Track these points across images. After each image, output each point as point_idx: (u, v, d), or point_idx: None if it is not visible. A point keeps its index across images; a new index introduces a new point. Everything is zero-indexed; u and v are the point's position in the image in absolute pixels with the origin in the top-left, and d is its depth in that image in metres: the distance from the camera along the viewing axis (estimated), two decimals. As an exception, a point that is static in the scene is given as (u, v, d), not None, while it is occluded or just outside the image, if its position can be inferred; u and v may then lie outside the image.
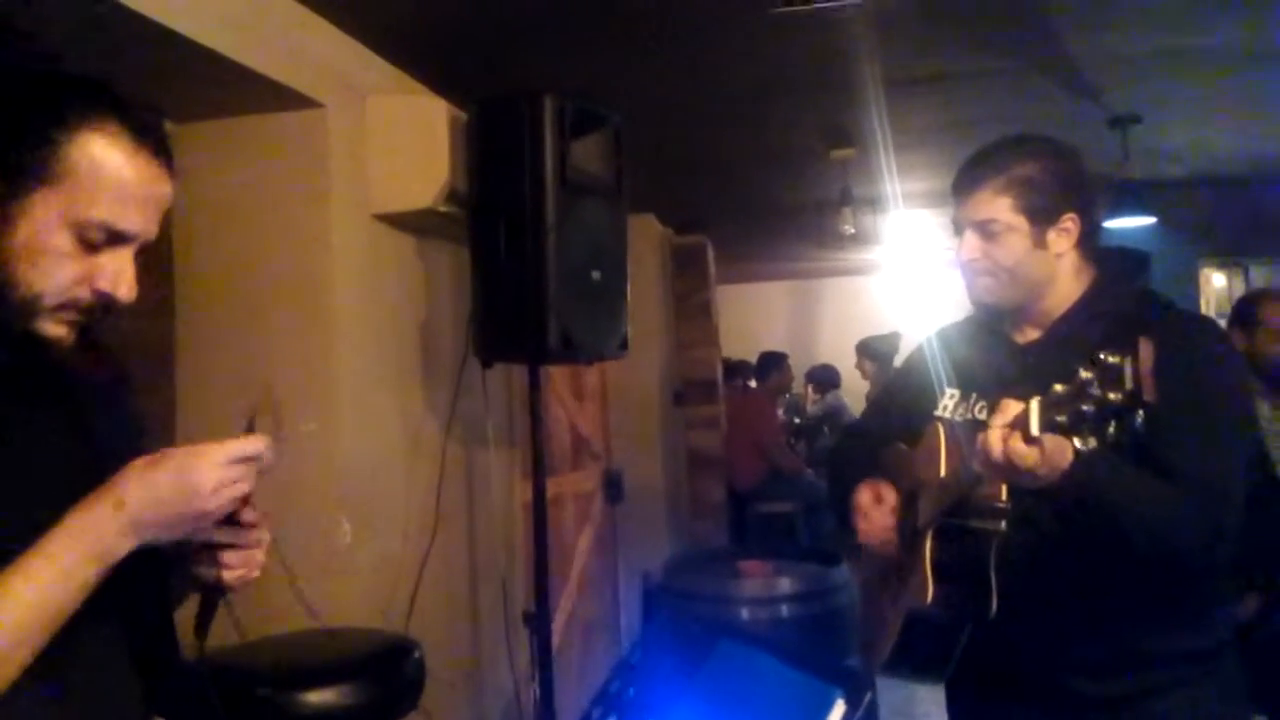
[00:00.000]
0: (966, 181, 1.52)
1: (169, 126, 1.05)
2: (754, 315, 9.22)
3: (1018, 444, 1.16)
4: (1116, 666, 1.42)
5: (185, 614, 1.18)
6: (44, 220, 0.94)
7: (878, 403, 1.92)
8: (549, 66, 2.94)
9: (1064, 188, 1.48)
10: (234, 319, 2.48)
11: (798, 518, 6.01)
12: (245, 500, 1.09)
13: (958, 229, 1.54)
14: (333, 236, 2.47)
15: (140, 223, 0.99)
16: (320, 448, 2.39)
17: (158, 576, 1.14)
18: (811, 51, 3.00)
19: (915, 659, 1.47)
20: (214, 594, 1.13)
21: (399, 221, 2.72)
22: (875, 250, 7.26)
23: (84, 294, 0.98)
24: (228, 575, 1.11)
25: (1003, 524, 1.34)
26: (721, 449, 6.08)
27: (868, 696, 0.99)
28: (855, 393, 7.91)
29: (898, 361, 5.93)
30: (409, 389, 2.83)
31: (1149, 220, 4.51)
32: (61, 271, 0.95)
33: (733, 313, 8.21)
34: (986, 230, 1.48)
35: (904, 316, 7.15)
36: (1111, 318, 1.45)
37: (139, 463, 0.97)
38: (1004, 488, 1.32)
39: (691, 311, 6.10)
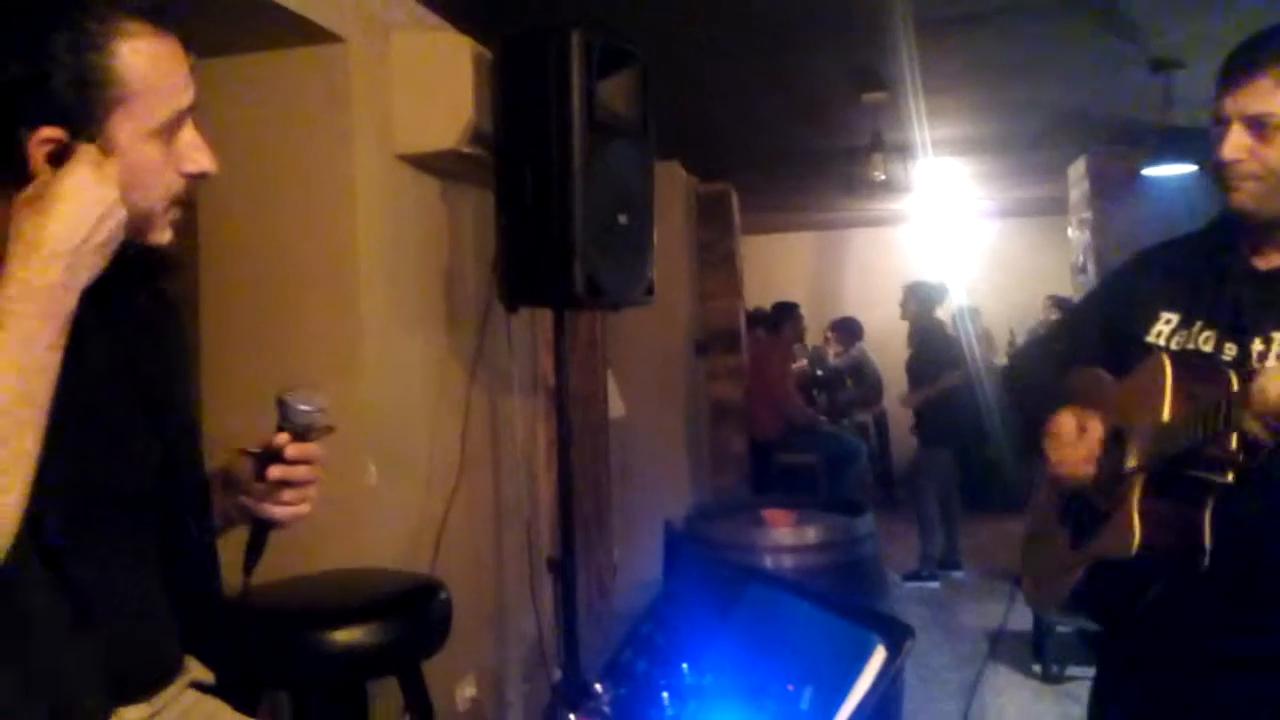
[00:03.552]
0: (1242, 66, 1.31)
1: (191, 60, 1.02)
2: (778, 266, 9.14)
3: None
4: None
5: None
6: (129, 142, 0.94)
7: (1073, 317, 1.69)
8: (572, 4, 2.87)
9: None
10: (256, 259, 2.46)
11: (820, 468, 5.99)
12: (306, 435, 1.09)
13: (1220, 121, 1.33)
14: (356, 177, 2.43)
15: (191, 90, 1.00)
16: (345, 390, 2.38)
17: (203, 511, 1.14)
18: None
19: (1098, 602, 1.38)
20: (266, 528, 1.13)
21: (422, 163, 2.68)
22: (904, 200, 7.13)
23: (178, 183, 1.00)
24: (281, 511, 1.11)
25: (1230, 476, 1.19)
26: (743, 400, 6.06)
27: (908, 644, 0.96)
28: (878, 345, 7.86)
29: (940, 313, 5.87)
30: (433, 333, 2.81)
31: (1190, 168, 4.38)
32: (163, 177, 0.98)
33: (757, 263, 8.14)
34: (1261, 125, 1.28)
35: (931, 269, 7.05)
36: None
37: (21, 207, 0.89)
38: (1234, 438, 1.16)
39: (715, 261, 6.04)
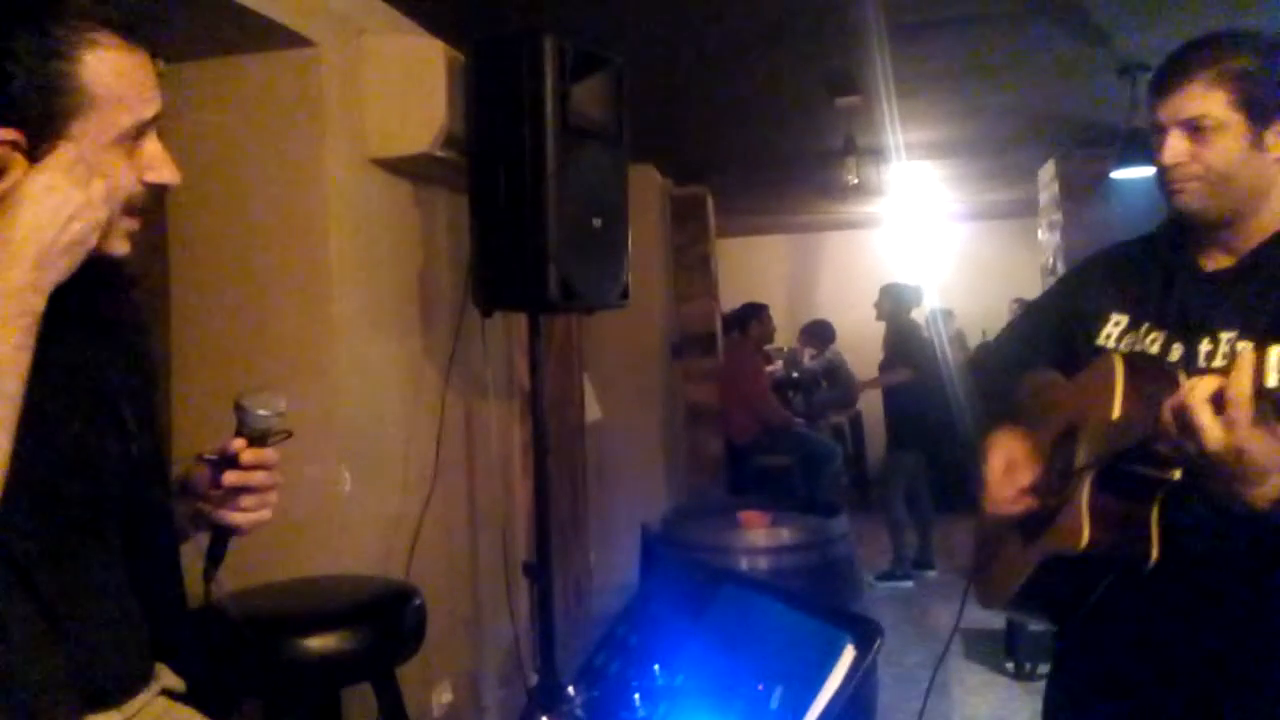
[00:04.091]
0: (1173, 74, 1.34)
1: (161, 65, 1.02)
2: (753, 268, 9.17)
3: (1240, 391, 0.98)
4: (1259, 641, 1.31)
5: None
6: (91, 148, 0.94)
7: (1027, 318, 1.71)
8: (546, 9, 2.87)
9: None
10: (228, 264, 2.44)
11: (795, 470, 6.01)
12: (263, 440, 1.08)
13: (1156, 132, 1.36)
14: (327, 180, 2.42)
15: (157, 101, 1.00)
16: (319, 396, 2.37)
17: (167, 520, 1.13)
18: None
19: (1046, 599, 1.38)
20: (226, 535, 1.12)
21: (395, 166, 2.67)
22: (877, 203, 7.19)
23: (138, 191, 1.00)
24: (241, 517, 1.10)
25: (1177, 473, 1.18)
26: (719, 402, 6.08)
27: (878, 643, 0.97)
28: (852, 347, 7.91)
29: (915, 315, 5.92)
30: (408, 337, 2.80)
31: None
32: (122, 184, 0.97)
33: (732, 265, 8.17)
34: (1196, 128, 1.30)
35: (905, 271, 7.10)
36: None
37: None
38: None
39: (690, 263, 6.05)
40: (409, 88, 2.53)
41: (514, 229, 2.37)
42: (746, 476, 6.10)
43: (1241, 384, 0.98)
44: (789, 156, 5.62)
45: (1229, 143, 1.30)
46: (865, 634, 0.99)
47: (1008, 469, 1.43)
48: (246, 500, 1.10)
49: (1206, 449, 1.02)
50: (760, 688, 0.97)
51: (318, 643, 1.83)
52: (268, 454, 1.10)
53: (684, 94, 4.07)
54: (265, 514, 1.13)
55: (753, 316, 6.60)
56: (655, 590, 1.43)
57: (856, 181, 4.79)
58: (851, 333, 7.96)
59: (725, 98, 4.23)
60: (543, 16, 2.37)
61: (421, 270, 2.87)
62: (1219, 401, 1.01)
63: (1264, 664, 1.31)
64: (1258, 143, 1.30)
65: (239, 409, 1.10)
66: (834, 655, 0.98)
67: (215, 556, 1.14)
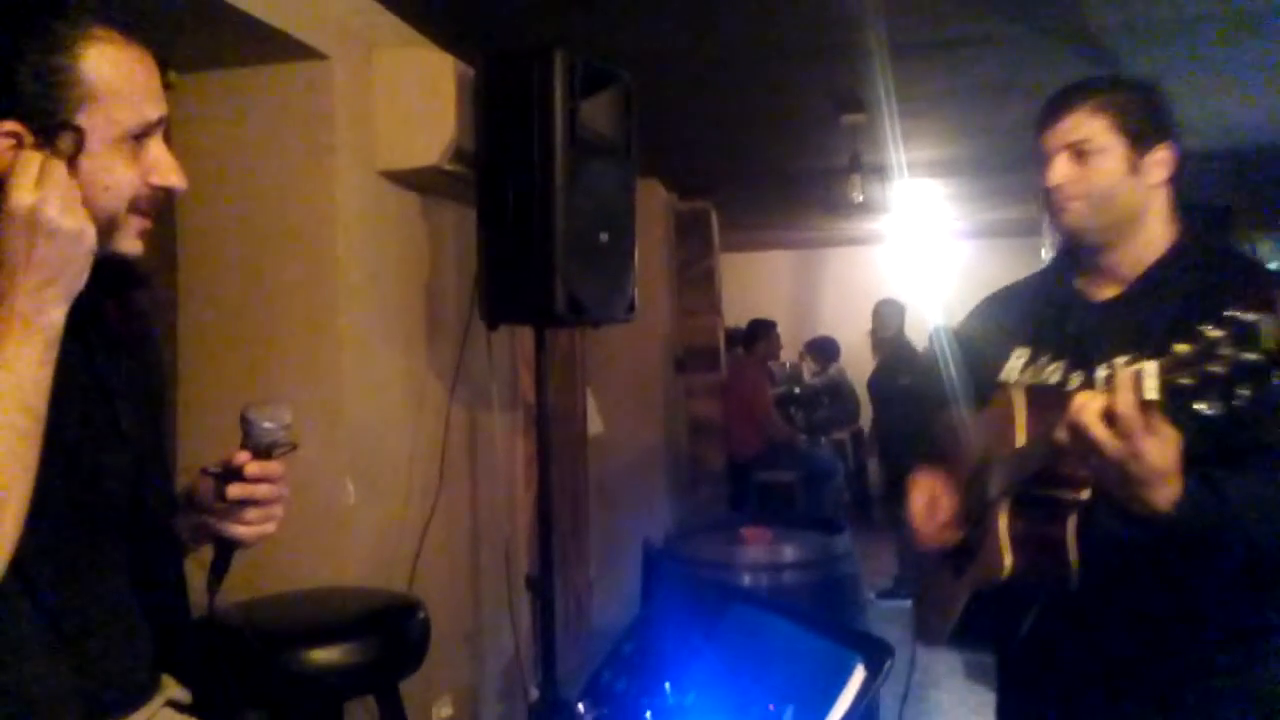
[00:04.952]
0: (1057, 104, 1.46)
1: (172, 76, 1.02)
2: (757, 283, 9.18)
3: (1126, 407, 1.07)
4: (1191, 643, 1.37)
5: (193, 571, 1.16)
6: (93, 146, 0.94)
7: (934, 363, 1.81)
8: (556, 24, 2.89)
9: (1158, 116, 1.43)
10: (236, 275, 2.45)
11: (798, 487, 6.01)
12: (269, 453, 1.08)
13: (1042, 158, 1.46)
14: (337, 192, 2.43)
15: (162, 104, 1.00)
16: (325, 406, 2.37)
17: (170, 531, 1.13)
18: (821, 13, 2.94)
19: (981, 631, 1.42)
20: (230, 548, 1.11)
21: (404, 179, 2.68)
22: (881, 220, 7.20)
23: (145, 192, 1.00)
24: (244, 531, 1.10)
25: (1084, 493, 1.24)
26: (722, 418, 6.07)
27: (888, 664, 0.97)
28: (853, 364, 7.91)
29: (909, 333, 5.93)
30: (414, 349, 2.80)
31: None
32: (127, 183, 0.98)
33: (736, 281, 8.18)
34: (1080, 151, 1.41)
35: (908, 288, 7.11)
36: (1199, 277, 1.37)
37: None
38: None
39: (695, 278, 6.06)
40: (419, 101, 2.54)
41: (521, 243, 2.38)
42: (748, 492, 6.09)
43: (1125, 399, 1.08)
44: (794, 173, 5.64)
45: (1110, 165, 1.40)
46: (875, 654, 0.99)
47: (929, 505, 1.52)
48: (251, 514, 1.09)
49: (1107, 457, 1.11)
50: (771, 707, 0.96)
51: (323, 655, 1.82)
52: (273, 467, 1.09)
53: (690, 109, 4.09)
54: (269, 527, 1.11)
55: (761, 333, 6.61)
56: (661, 607, 1.42)
57: (861, 198, 4.80)
58: (854, 349, 7.95)
59: (731, 114, 4.24)
60: (552, 32, 2.38)
61: (428, 283, 2.88)
62: (1110, 417, 1.09)
63: (1199, 674, 1.36)
64: (1136, 167, 1.40)
65: (245, 421, 1.09)
66: (844, 675, 0.97)
67: (219, 570, 1.13)
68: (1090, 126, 1.41)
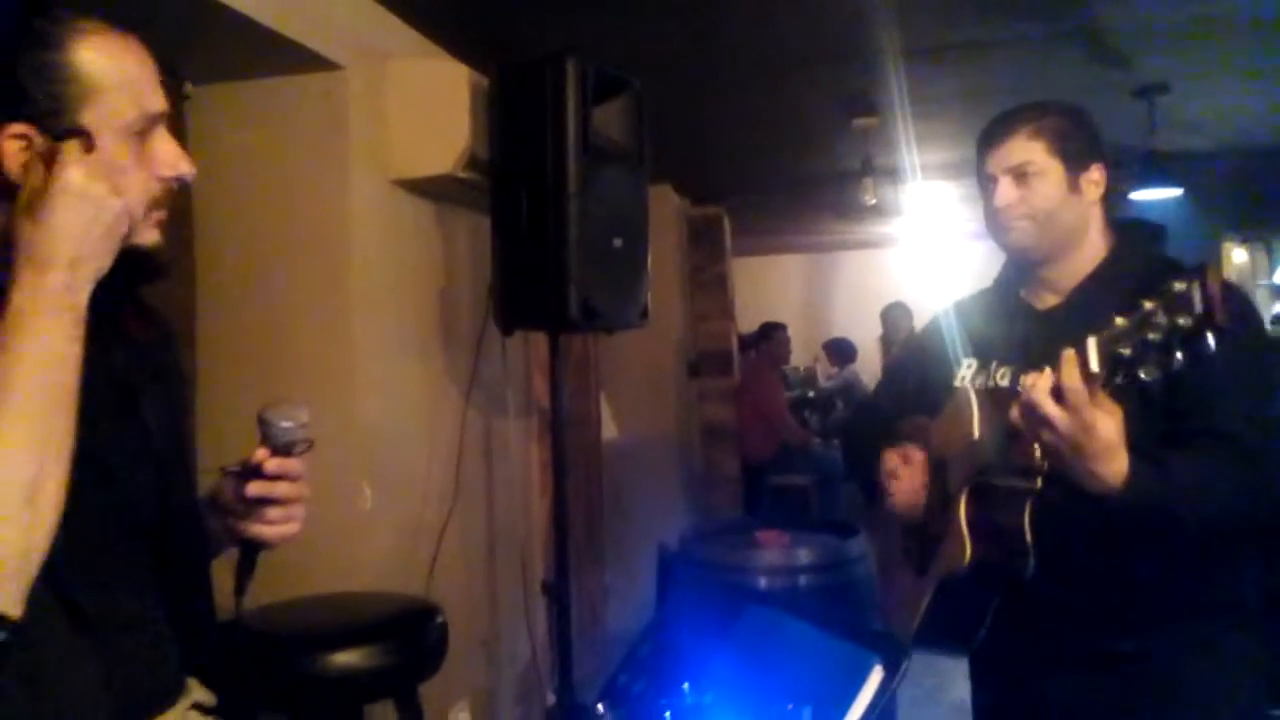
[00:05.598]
0: (997, 131, 1.54)
1: (188, 88, 1.04)
2: (769, 288, 9.17)
3: (1072, 381, 1.13)
4: (1149, 622, 1.42)
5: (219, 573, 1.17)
6: (103, 145, 0.94)
7: (891, 376, 1.92)
8: (567, 32, 2.90)
9: (1091, 138, 1.53)
10: (252, 282, 2.47)
11: (811, 490, 6.00)
12: (287, 451, 1.09)
13: (987, 182, 1.54)
14: (352, 201, 2.45)
15: (162, 99, 1.01)
16: (341, 413, 2.39)
17: (196, 535, 1.14)
18: (833, 16, 2.95)
19: (946, 628, 1.46)
20: (255, 549, 1.12)
21: (418, 188, 2.70)
22: (893, 223, 7.19)
23: (156, 186, 1.01)
24: (270, 531, 1.11)
25: (1038, 482, 1.31)
26: (735, 421, 6.07)
27: (905, 663, 0.98)
28: (866, 367, 7.90)
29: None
30: (429, 356, 2.82)
31: (1175, 192, 4.45)
32: (136, 177, 0.98)
33: (748, 285, 8.18)
34: (1022, 173, 1.50)
35: (921, 291, 7.10)
36: (1133, 283, 1.41)
37: (17, 217, 0.91)
38: (1035, 446, 1.29)
39: (707, 283, 6.06)
40: (433, 110, 2.56)
41: (535, 249, 2.39)
42: (762, 496, 6.09)
43: (1071, 374, 1.14)
44: (806, 176, 5.64)
45: (1050, 187, 1.49)
46: (892, 654, 1.00)
47: (904, 460, 1.57)
48: (272, 513, 1.10)
49: (1059, 432, 1.17)
50: (790, 707, 0.97)
51: (342, 659, 1.84)
52: (292, 464, 1.09)
53: (701, 115, 4.09)
54: (293, 527, 1.12)
55: (769, 335, 6.61)
56: (677, 609, 1.43)
57: (874, 201, 4.80)
58: (866, 353, 7.95)
59: (743, 119, 4.25)
60: (564, 40, 2.40)
61: (443, 290, 2.90)
62: (1058, 393, 1.16)
63: (1166, 651, 1.41)
64: (1074, 186, 1.50)
65: (262, 421, 1.10)
66: (862, 675, 0.98)
67: (245, 572, 1.14)
68: (1030, 150, 1.50)
